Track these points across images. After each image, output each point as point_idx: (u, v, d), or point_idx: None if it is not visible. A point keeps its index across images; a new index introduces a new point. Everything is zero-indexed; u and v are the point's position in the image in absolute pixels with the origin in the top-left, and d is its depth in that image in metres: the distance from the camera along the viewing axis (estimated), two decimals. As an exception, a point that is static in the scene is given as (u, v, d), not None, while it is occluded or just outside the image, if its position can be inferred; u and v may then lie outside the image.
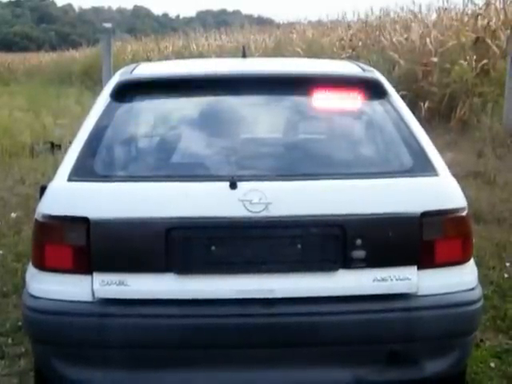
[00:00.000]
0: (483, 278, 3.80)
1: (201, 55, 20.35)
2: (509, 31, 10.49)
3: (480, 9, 13.28)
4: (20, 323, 4.09)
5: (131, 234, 2.84)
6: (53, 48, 41.11)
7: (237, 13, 74.04)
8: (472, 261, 3.08)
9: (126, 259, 2.85)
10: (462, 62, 11.48)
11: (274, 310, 2.84)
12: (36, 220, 2.97)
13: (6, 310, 4.56)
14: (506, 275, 5.06)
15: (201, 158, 3.12)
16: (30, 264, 3.05)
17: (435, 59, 12.00)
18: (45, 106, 15.06)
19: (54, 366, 2.94)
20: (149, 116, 3.39)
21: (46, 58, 34.38)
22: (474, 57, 11.48)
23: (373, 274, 2.86)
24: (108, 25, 10.86)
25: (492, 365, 3.83)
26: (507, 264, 5.26)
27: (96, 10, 78.04)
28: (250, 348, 2.86)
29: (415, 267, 2.89)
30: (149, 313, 2.85)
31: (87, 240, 2.83)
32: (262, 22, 34.87)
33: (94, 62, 21.29)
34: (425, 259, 2.90)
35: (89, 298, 2.85)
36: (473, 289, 3.00)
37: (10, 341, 4.16)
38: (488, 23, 12.29)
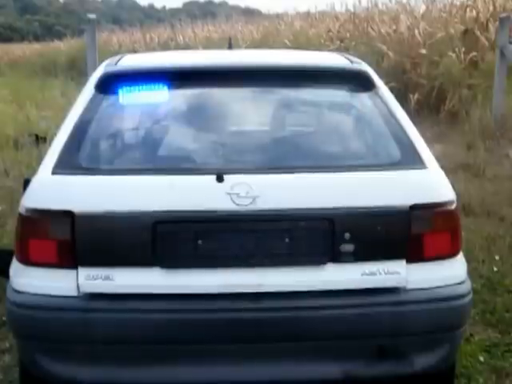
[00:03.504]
0: (472, 272, 3.79)
1: (187, 47, 20.24)
2: (498, 23, 10.46)
3: (469, 0, 13.28)
4: (4, 318, 4.05)
5: (117, 228, 2.81)
6: (37, 39, 40.77)
7: (223, 4, 73.90)
8: (461, 254, 3.06)
9: (112, 253, 2.82)
10: (450, 53, 11.47)
11: (261, 304, 2.81)
12: (20, 214, 2.93)
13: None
14: (495, 269, 5.06)
15: (187, 150, 3.09)
16: (14, 258, 3.01)
17: (424, 51, 11.98)
18: (29, 97, 14.85)
19: (39, 362, 2.91)
20: (134, 108, 3.35)
21: (30, 49, 33.97)
22: (463, 49, 11.48)
23: (361, 267, 2.84)
24: (92, 15, 10.73)
25: (481, 359, 3.83)
26: (496, 257, 5.26)
27: (81, 1, 77.12)
28: (238, 343, 2.83)
29: (404, 261, 2.87)
30: (135, 307, 2.81)
31: (72, 234, 2.79)
32: (250, 13, 34.75)
33: (79, 53, 21.05)
34: (414, 253, 2.88)
35: (74, 292, 2.82)
36: (462, 282, 2.99)
37: (-6, 336, 4.12)
38: (477, 15, 12.30)
